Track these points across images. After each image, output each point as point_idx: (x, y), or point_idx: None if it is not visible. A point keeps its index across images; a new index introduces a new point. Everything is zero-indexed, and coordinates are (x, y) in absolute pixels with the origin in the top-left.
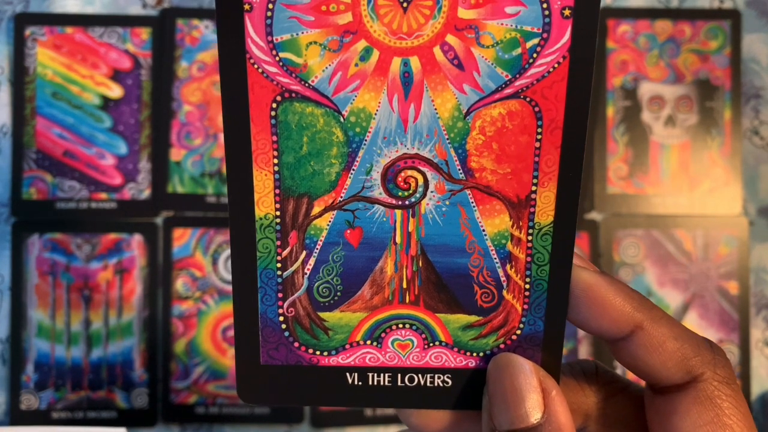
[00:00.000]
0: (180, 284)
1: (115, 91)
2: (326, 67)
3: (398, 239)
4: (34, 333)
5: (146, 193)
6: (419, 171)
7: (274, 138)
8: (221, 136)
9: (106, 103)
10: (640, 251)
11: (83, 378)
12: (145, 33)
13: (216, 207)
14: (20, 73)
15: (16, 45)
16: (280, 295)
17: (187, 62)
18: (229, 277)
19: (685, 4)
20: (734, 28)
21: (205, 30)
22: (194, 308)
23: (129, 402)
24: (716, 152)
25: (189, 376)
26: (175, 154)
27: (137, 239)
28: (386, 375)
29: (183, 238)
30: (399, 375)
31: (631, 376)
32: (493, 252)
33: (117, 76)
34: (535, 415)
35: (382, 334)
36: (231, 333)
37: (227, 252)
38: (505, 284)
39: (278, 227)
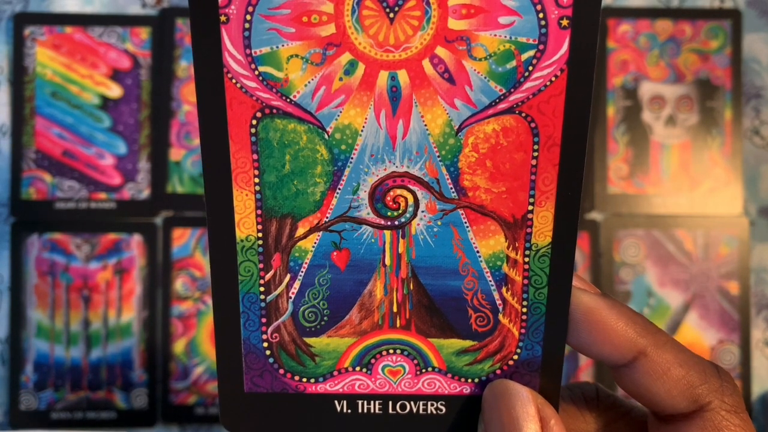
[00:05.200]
0: (179, 284)
1: (115, 91)
2: (309, 82)
3: (388, 261)
4: (34, 333)
5: (145, 193)
6: (409, 190)
7: (255, 156)
8: None
9: (106, 103)
10: (640, 251)
11: (83, 378)
12: (144, 33)
13: None
14: (19, 73)
15: (16, 45)
16: (263, 320)
17: (187, 62)
18: None
19: (685, 4)
20: (735, 27)
21: None
22: (194, 308)
23: (128, 402)
24: (717, 152)
25: (188, 376)
26: (175, 153)
27: (137, 239)
28: (377, 402)
29: (182, 238)
30: (390, 402)
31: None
32: (488, 274)
33: (116, 75)
34: None
35: (372, 360)
36: None
37: None
38: (500, 308)
39: (260, 249)
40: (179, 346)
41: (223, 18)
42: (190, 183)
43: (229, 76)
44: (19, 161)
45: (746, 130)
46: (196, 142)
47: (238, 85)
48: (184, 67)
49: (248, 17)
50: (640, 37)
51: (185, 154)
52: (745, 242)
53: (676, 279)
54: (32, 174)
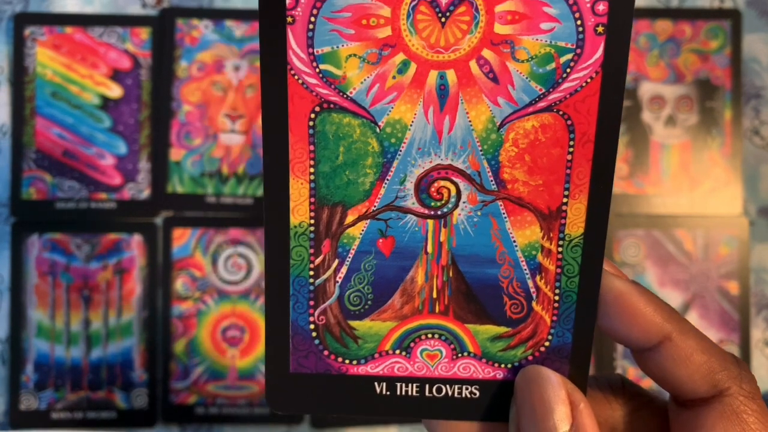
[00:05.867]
0: (179, 284)
1: (115, 91)
2: (364, 79)
3: (430, 249)
4: (34, 333)
5: (146, 193)
6: (452, 182)
7: (311, 147)
8: (221, 136)
9: (106, 103)
10: (640, 251)
11: (83, 378)
12: (144, 33)
13: (215, 207)
14: (20, 73)
15: (16, 45)
16: (311, 302)
17: (187, 62)
18: (228, 277)
19: (685, 4)
20: (734, 27)
21: (205, 30)
22: (194, 308)
23: (129, 402)
24: (717, 152)
25: (188, 376)
26: (175, 153)
27: (137, 239)
28: (414, 385)
29: (182, 238)
30: (427, 385)
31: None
32: (524, 263)
33: (116, 75)
34: (563, 428)
35: (411, 344)
36: (230, 333)
37: (227, 252)
38: (534, 295)
39: (312, 235)
40: (179, 346)
41: (289, 19)
42: (190, 183)
43: (292, 72)
44: (20, 161)
45: (746, 130)
46: (196, 142)
47: (300, 81)
48: (184, 67)
49: (312, 19)
50: (639, 37)
51: (185, 154)
52: (745, 242)
53: (676, 279)
54: (32, 174)
